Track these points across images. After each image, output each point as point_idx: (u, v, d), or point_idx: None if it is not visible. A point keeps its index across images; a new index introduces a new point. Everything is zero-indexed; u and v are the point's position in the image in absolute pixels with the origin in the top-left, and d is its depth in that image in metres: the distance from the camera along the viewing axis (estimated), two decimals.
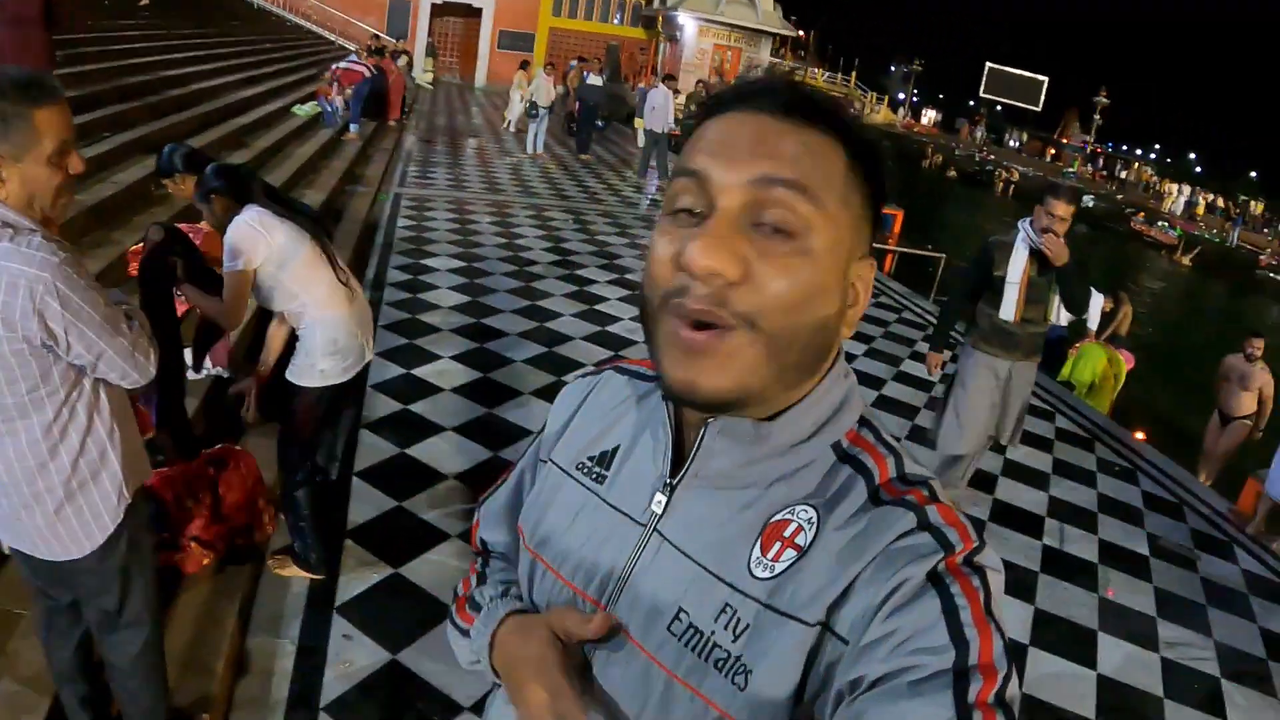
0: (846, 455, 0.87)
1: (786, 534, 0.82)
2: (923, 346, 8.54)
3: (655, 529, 0.89)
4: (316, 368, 3.40)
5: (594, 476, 0.98)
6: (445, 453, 4.97)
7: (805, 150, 0.79)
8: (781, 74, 0.87)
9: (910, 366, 7.89)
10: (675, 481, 0.89)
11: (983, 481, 5.81)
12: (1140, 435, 7.67)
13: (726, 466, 0.86)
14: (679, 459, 0.90)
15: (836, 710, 0.74)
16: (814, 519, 0.83)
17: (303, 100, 14.31)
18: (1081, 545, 5.29)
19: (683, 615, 0.84)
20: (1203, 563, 5.41)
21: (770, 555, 0.82)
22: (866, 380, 7.27)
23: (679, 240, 0.79)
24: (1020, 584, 4.71)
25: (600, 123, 18.14)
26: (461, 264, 8.78)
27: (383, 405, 5.41)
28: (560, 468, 1.03)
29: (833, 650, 0.77)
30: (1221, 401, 8.18)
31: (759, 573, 0.82)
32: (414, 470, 4.75)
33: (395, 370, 5.91)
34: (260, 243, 3.20)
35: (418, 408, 5.45)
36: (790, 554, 0.81)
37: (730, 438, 0.85)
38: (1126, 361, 9.01)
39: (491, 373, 6.15)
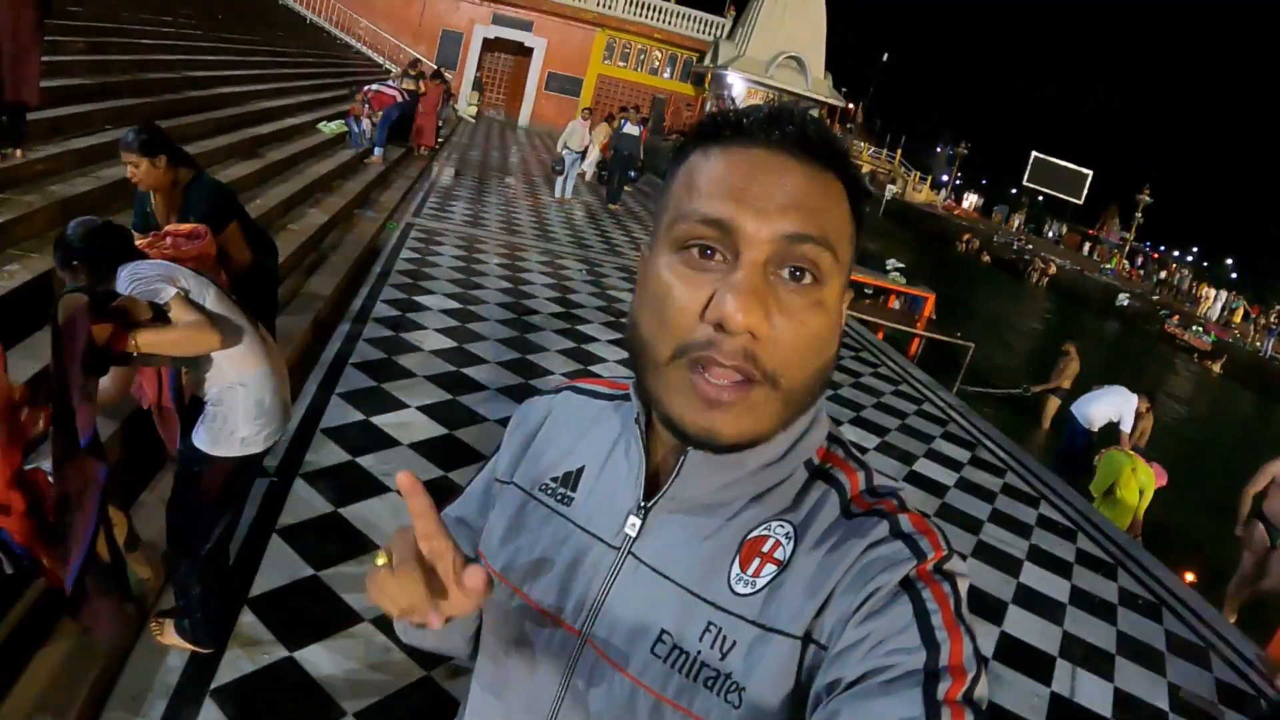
0: (818, 471, 0.90)
1: (765, 549, 0.84)
2: (941, 444, 7.97)
3: (630, 551, 0.89)
4: (236, 435, 2.95)
5: (558, 498, 0.97)
6: (384, 518, 4.39)
7: (827, 200, 0.80)
8: (791, 105, 0.86)
9: (924, 466, 7.30)
10: (650, 505, 0.89)
11: (993, 609, 5.24)
12: (1190, 578, 7.00)
13: (704, 490, 0.86)
14: (651, 481, 0.90)
15: (814, 713, 0.75)
16: (791, 533, 0.85)
17: (331, 118, 14.01)
18: (1094, 694, 4.69)
19: (666, 637, 0.84)
20: None
21: (750, 571, 0.83)
22: None
23: (702, 288, 0.78)
24: None
25: (633, 173, 17.68)
26: (456, 305, 8.24)
27: (328, 453, 4.85)
28: (523, 489, 1.01)
29: (813, 657, 0.78)
30: (1267, 507, 7.39)
31: (740, 589, 0.83)
32: (343, 534, 4.18)
33: (353, 415, 5.36)
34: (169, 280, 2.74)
35: (366, 461, 4.88)
36: (770, 569, 0.83)
37: (709, 464, 0.85)
38: (1157, 477, 8.28)
39: (458, 430, 5.57)
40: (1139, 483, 8.02)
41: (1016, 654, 4.84)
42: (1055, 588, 5.80)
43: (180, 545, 3.13)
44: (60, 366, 2.60)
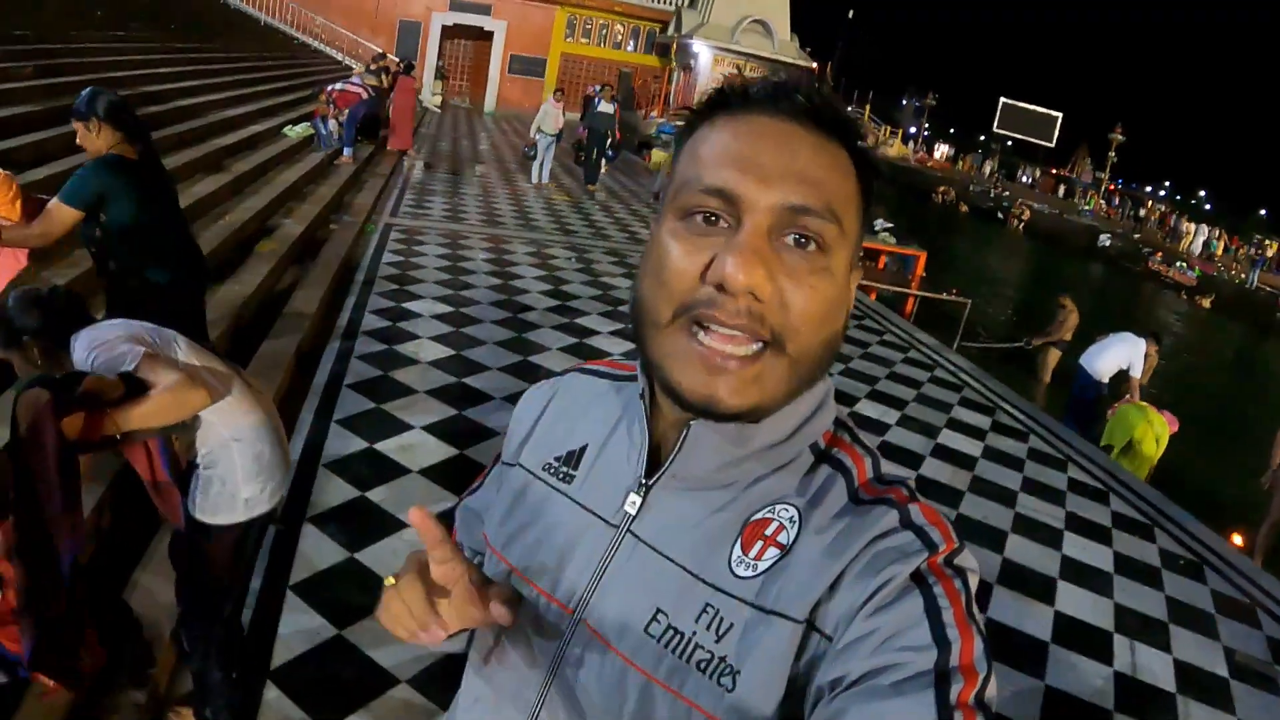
0: (825, 455, 0.88)
1: (768, 532, 0.83)
2: (961, 412, 7.73)
3: (629, 530, 0.88)
4: (239, 498, 2.60)
5: (561, 476, 0.96)
6: (403, 558, 3.95)
7: (832, 170, 0.79)
8: (799, 75, 0.85)
9: (949, 438, 7.05)
10: (651, 482, 0.88)
11: (1044, 587, 5.05)
12: (1238, 540, 6.82)
13: (707, 467, 0.85)
14: (654, 458, 0.89)
15: (815, 708, 0.73)
16: (796, 517, 0.83)
17: (296, 120, 13.60)
18: (1156, 668, 4.52)
19: (661, 617, 0.82)
20: None
21: (752, 554, 0.82)
22: (902, 456, 6.44)
23: (703, 251, 0.77)
24: None
25: (611, 152, 17.30)
26: (449, 309, 7.89)
27: (335, 491, 4.51)
28: (527, 469, 1.00)
29: (816, 646, 0.77)
30: None
31: (741, 571, 0.81)
32: (363, 581, 3.83)
33: (356, 444, 5.02)
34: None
35: (376, 495, 4.53)
36: (773, 552, 0.81)
37: (713, 439, 0.83)
38: (1170, 424, 8.10)
39: (469, 449, 5.22)
40: (1155, 432, 7.92)
41: (1074, 634, 4.66)
42: (1099, 556, 5.63)
43: (193, 627, 2.82)
44: (27, 479, 2.19)
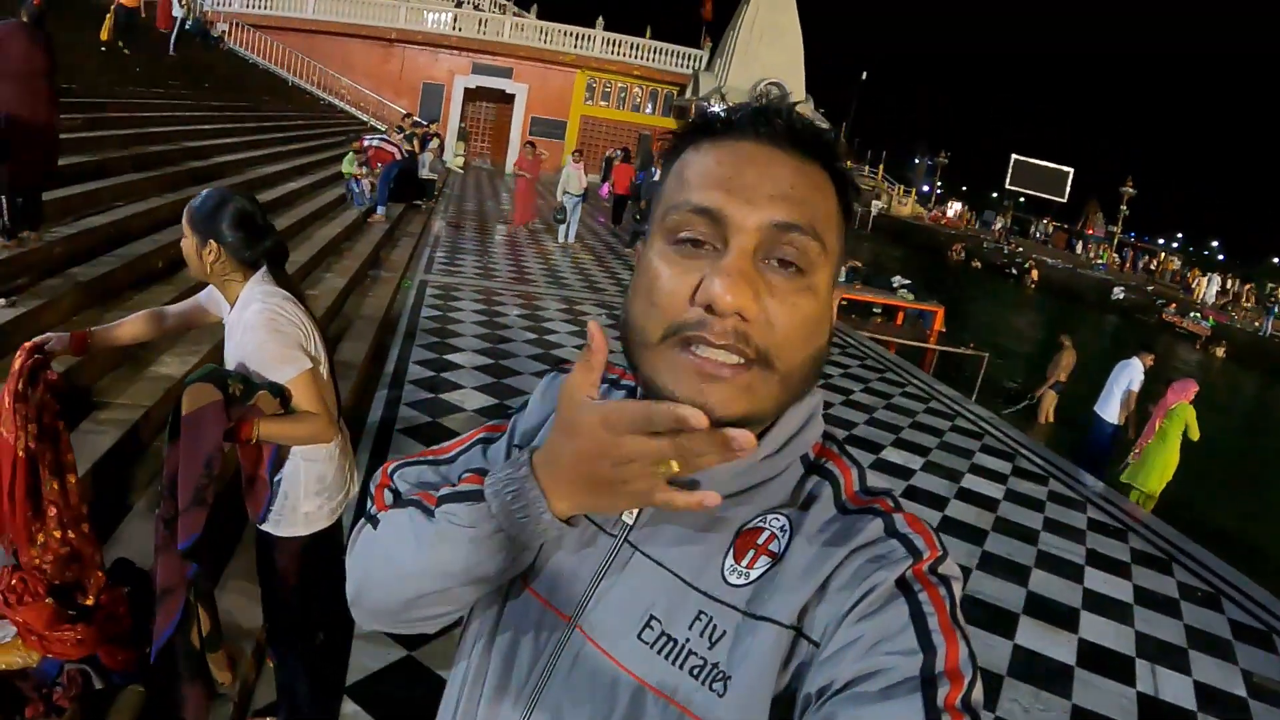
0: (814, 465, 0.90)
1: (760, 541, 0.84)
2: (982, 458, 7.99)
3: (626, 539, 0.88)
4: (300, 512, 2.73)
5: None
6: None
7: (814, 190, 0.82)
8: (778, 97, 0.90)
9: (972, 482, 7.31)
10: None
11: (1066, 617, 5.30)
12: None
13: (701, 478, 0.82)
14: None
15: (804, 714, 0.74)
16: (786, 526, 0.85)
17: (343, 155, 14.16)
18: (1176, 689, 4.77)
19: (654, 623, 0.83)
20: None
21: (744, 563, 0.83)
22: (927, 499, 6.69)
23: (691, 273, 0.79)
24: None
25: None
26: (488, 360, 8.26)
27: None
28: None
29: (804, 653, 0.78)
30: None
31: (734, 580, 0.83)
32: None
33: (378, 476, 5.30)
34: (301, 331, 2.57)
35: None
36: (765, 561, 0.83)
37: None
38: (1182, 393, 8.56)
39: None
40: (1183, 418, 8.47)
41: (1098, 658, 4.90)
42: (1119, 589, 5.88)
43: (278, 639, 3.03)
44: (174, 458, 2.42)
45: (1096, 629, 5.22)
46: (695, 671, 0.80)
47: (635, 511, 0.88)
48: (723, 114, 0.86)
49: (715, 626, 0.81)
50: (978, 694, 0.73)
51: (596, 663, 0.85)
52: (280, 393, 2.49)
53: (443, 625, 0.96)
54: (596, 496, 0.77)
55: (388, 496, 1.01)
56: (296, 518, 2.73)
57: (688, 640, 0.82)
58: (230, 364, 2.61)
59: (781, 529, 0.84)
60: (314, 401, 2.54)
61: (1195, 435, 8.39)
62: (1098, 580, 5.90)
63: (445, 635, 3.78)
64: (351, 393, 6.40)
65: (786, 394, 0.81)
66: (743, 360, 0.77)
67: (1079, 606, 5.46)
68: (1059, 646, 4.91)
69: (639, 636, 0.83)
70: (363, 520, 1.00)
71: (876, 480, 0.90)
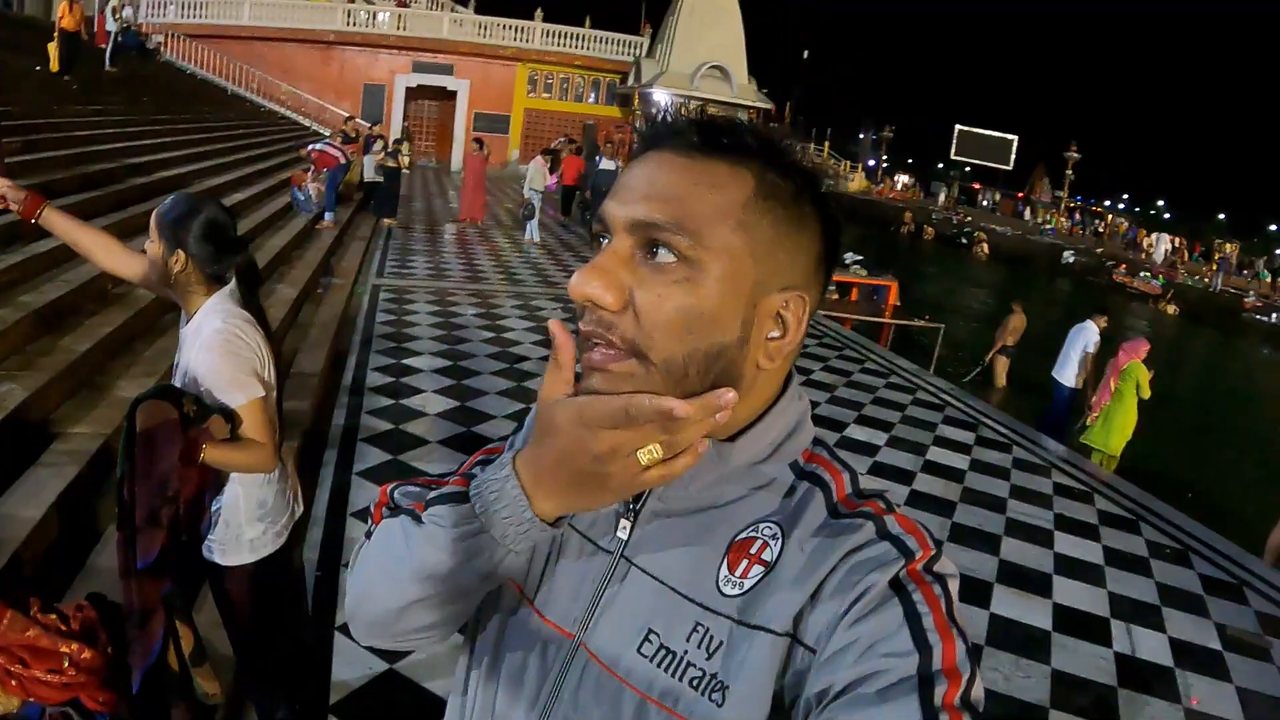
0: (804, 472, 0.90)
1: (753, 551, 0.84)
2: (945, 429, 8.05)
3: (622, 555, 0.89)
4: (244, 539, 2.63)
5: None
6: None
7: (693, 186, 0.81)
8: (690, 112, 0.88)
9: (937, 454, 7.36)
10: (638, 506, 0.89)
11: (1040, 582, 5.35)
12: None
13: (688, 488, 0.87)
14: None
15: None
16: (778, 534, 0.84)
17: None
18: (1153, 647, 4.83)
19: (653, 637, 0.84)
20: (1276, 650, 5.00)
21: (738, 573, 0.84)
22: (894, 474, 6.72)
23: None
24: (1102, 704, 4.25)
25: None
26: (447, 363, 8.15)
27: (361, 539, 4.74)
28: None
29: (801, 660, 0.78)
30: None
31: (728, 590, 0.83)
32: None
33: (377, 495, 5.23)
34: (257, 358, 2.48)
35: None
36: (758, 570, 0.83)
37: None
38: (1134, 353, 8.68)
39: None
40: (1135, 377, 8.55)
41: (1074, 622, 4.95)
42: (1089, 551, 5.95)
43: (246, 665, 2.97)
44: (130, 475, 2.35)
45: (1070, 593, 5.27)
46: (695, 683, 0.81)
47: (629, 526, 0.89)
48: (645, 134, 0.89)
49: (712, 637, 0.82)
50: (977, 691, 0.73)
51: (601, 679, 0.86)
52: (230, 417, 2.42)
53: (437, 641, 0.98)
54: (580, 494, 0.78)
55: (386, 514, 1.01)
56: (241, 545, 2.64)
57: (685, 652, 0.83)
58: (179, 377, 2.53)
59: (773, 537, 0.85)
60: (261, 430, 2.46)
61: (1146, 394, 8.46)
62: (1068, 544, 5.97)
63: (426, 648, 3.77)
64: (312, 403, 6.31)
65: (677, 389, 0.78)
66: (612, 350, 0.79)
67: (1051, 571, 5.51)
68: (1035, 612, 4.96)
69: (639, 650, 0.85)
70: (362, 537, 1.02)
71: (869, 483, 0.90)
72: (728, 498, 0.87)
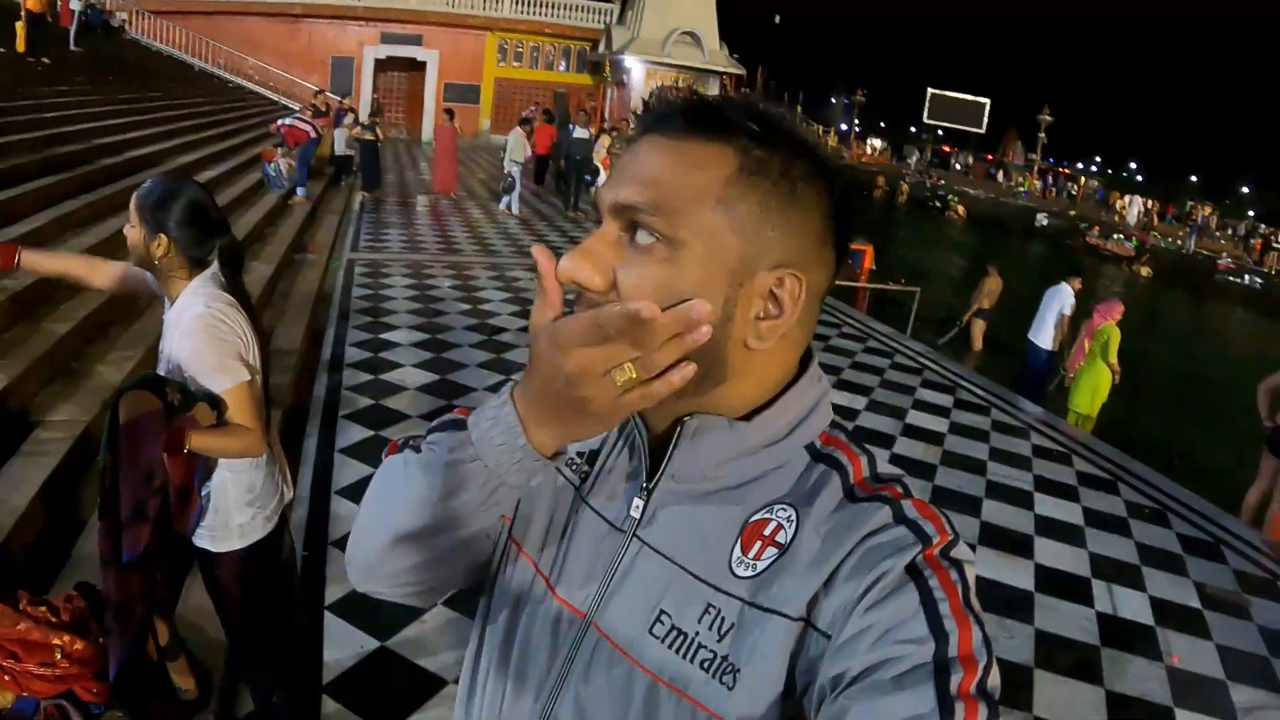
0: (821, 454, 0.88)
1: (767, 532, 0.83)
2: (924, 393, 8.10)
3: (635, 534, 0.89)
4: (233, 524, 2.61)
5: (579, 473, 0.97)
6: None
7: (674, 167, 0.81)
8: (676, 96, 0.87)
9: (916, 418, 7.42)
10: (651, 485, 0.89)
11: (1021, 543, 5.42)
12: None
13: (703, 466, 0.86)
14: (654, 462, 0.89)
15: (820, 707, 0.74)
16: (793, 516, 0.84)
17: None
18: (1134, 606, 4.91)
19: (664, 618, 0.84)
20: (1255, 608, 5.09)
21: (751, 554, 0.83)
22: (874, 438, 6.75)
23: None
24: (1085, 664, 4.31)
25: (589, 178, 17.08)
26: (425, 335, 8.12)
27: (351, 516, 4.71)
28: None
29: (815, 645, 0.77)
30: None
31: (741, 572, 0.82)
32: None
33: (363, 470, 5.22)
34: (242, 342, 2.45)
35: None
36: (772, 552, 0.82)
37: (705, 437, 0.85)
38: (1108, 314, 8.70)
39: None
40: (1106, 338, 8.53)
41: (1056, 582, 5.02)
42: (1069, 512, 6.03)
43: (239, 651, 2.97)
44: (113, 467, 2.34)
45: (1051, 553, 5.34)
46: (705, 665, 0.81)
47: (641, 504, 0.89)
48: (641, 117, 0.90)
49: (723, 619, 0.82)
50: (993, 679, 0.72)
51: (612, 659, 0.86)
52: (216, 403, 2.39)
53: (423, 595, 0.99)
54: (566, 421, 0.77)
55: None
56: (230, 531, 2.61)
57: (697, 634, 0.82)
58: (163, 364, 2.50)
59: (788, 519, 0.84)
60: (248, 415, 2.43)
61: (1113, 357, 8.42)
62: (1048, 505, 6.04)
63: (417, 622, 3.77)
64: (291, 381, 6.27)
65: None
66: None
67: (1032, 533, 5.59)
68: (1017, 574, 5.02)
69: (650, 631, 0.85)
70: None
71: (888, 467, 0.88)
72: (742, 478, 0.86)
